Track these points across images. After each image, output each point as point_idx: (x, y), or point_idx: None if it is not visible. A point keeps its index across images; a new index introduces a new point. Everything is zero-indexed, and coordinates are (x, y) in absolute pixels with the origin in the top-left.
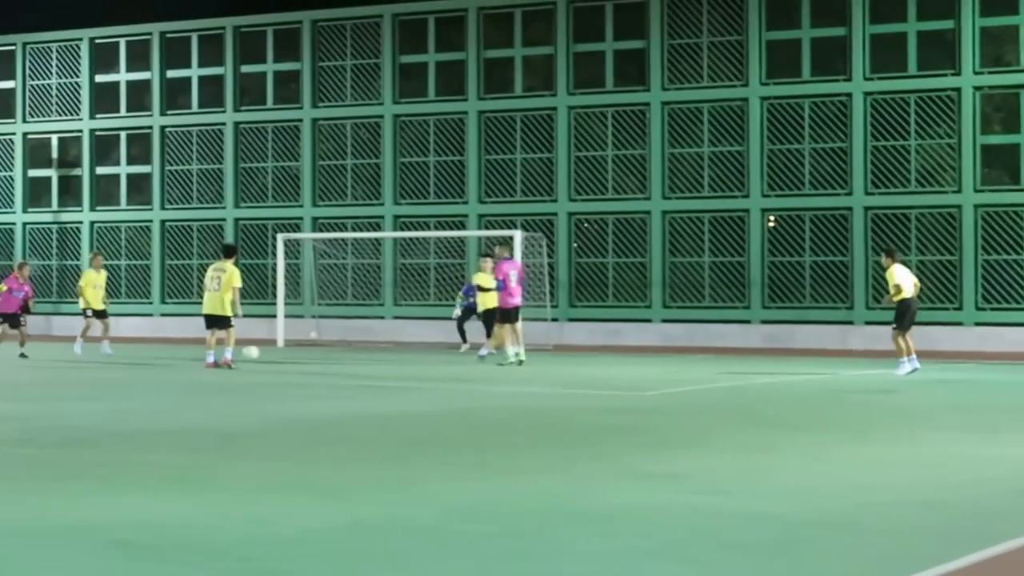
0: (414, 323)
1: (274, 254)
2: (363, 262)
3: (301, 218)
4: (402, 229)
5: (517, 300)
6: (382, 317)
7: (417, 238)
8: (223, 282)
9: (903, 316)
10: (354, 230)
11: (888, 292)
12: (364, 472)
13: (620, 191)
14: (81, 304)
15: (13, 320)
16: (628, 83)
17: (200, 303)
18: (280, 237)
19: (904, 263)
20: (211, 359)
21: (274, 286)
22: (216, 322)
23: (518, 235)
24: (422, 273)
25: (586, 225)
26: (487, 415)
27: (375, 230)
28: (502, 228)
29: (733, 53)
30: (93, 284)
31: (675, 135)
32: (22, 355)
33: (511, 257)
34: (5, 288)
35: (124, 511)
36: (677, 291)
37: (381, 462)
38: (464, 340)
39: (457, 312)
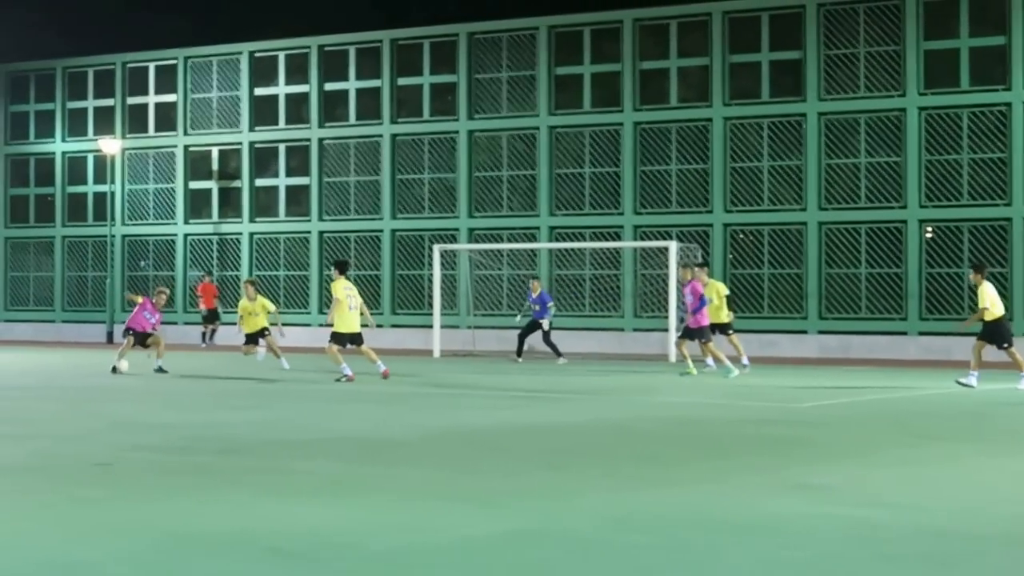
0: (570, 334)
1: (430, 265)
2: (518, 273)
3: (457, 229)
4: (557, 240)
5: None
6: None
7: (572, 249)
8: (356, 298)
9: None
10: (510, 241)
11: (976, 310)
12: (519, 481)
13: (776, 202)
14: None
15: (141, 338)
16: (783, 94)
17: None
18: (436, 248)
19: None
20: (348, 371)
21: (430, 297)
22: (357, 339)
23: (673, 246)
24: (577, 284)
25: (741, 236)
26: (643, 426)
27: (531, 241)
28: (657, 239)
29: (890, 63)
30: (250, 312)
31: (831, 145)
32: (159, 369)
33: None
34: (140, 301)
35: (282, 519)
36: (833, 302)
37: (536, 472)
38: (520, 354)
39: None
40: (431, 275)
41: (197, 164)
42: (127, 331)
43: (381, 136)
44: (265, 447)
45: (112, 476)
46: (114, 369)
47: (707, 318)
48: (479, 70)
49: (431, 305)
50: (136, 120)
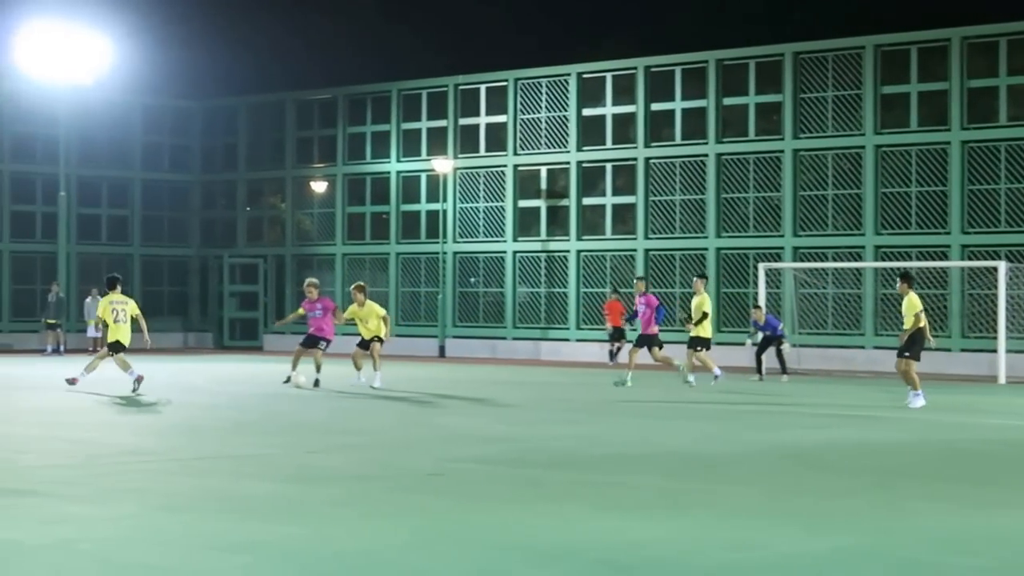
0: (891, 354)
1: (755, 283)
2: (844, 292)
3: (782, 248)
4: (883, 259)
5: None
6: (862, 347)
7: (896, 268)
8: (128, 311)
9: None
10: (835, 260)
11: None
12: (843, 500)
13: None
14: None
15: (311, 341)
16: None
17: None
18: (761, 267)
19: None
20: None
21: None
22: (118, 346)
23: (1002, 266)
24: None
25: None
26: (970, 447)
27: (856, 260)
28: (985, 259)
29: None
30: (361, 318)
31: None
32: (316, 382)
33: None
34: (302, 311)
35: (609, 532)
36: None
37: (861, 491)
38: (760, 371)
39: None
40: (755, 293)
41: (526, 183)
42: (321, 340)
43: (706, 156)
44: (592, 461)
45: (444, 486)
46: (288, 380)
47: (654, 327)
48: (804, 89)
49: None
50: (467, 140)
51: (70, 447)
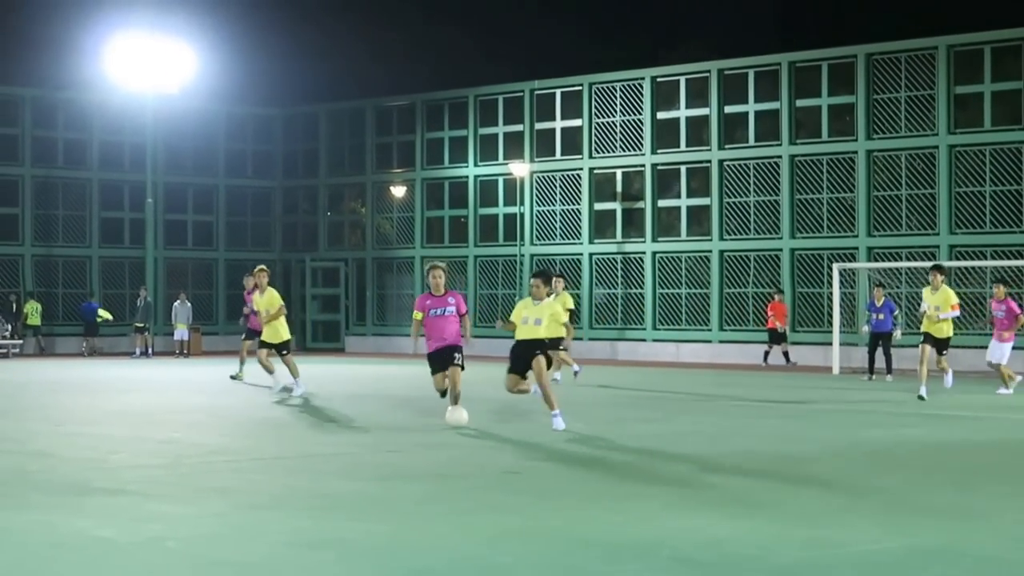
0: (976, 353)
1: (830, 283)
2: (917, 291)
3: (856, 248)
4: (957, 259)
5: None
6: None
7: (973, 267)
8: None
9: None
10: (908, 260)
11: None
12: (922, 499)
13: None
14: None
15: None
16: None
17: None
18: (836, 267)
19: None
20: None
21: (829, 315)
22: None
23: None
24: (978, 302)
25: None
26: None
27: (930, 259)
28: None
29: None
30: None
31: None
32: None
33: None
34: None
35: (687, 529)
36: None
37: (940, 490)
38: (871, 370)
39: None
40: (830, 293)
41: (601, 186)
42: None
43: (780, 157)
44: (670, 459)
45: (522, 484)
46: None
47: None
48: (877, 90)
49: (830, 323)
50: (544, 144)
51: (159, 447)
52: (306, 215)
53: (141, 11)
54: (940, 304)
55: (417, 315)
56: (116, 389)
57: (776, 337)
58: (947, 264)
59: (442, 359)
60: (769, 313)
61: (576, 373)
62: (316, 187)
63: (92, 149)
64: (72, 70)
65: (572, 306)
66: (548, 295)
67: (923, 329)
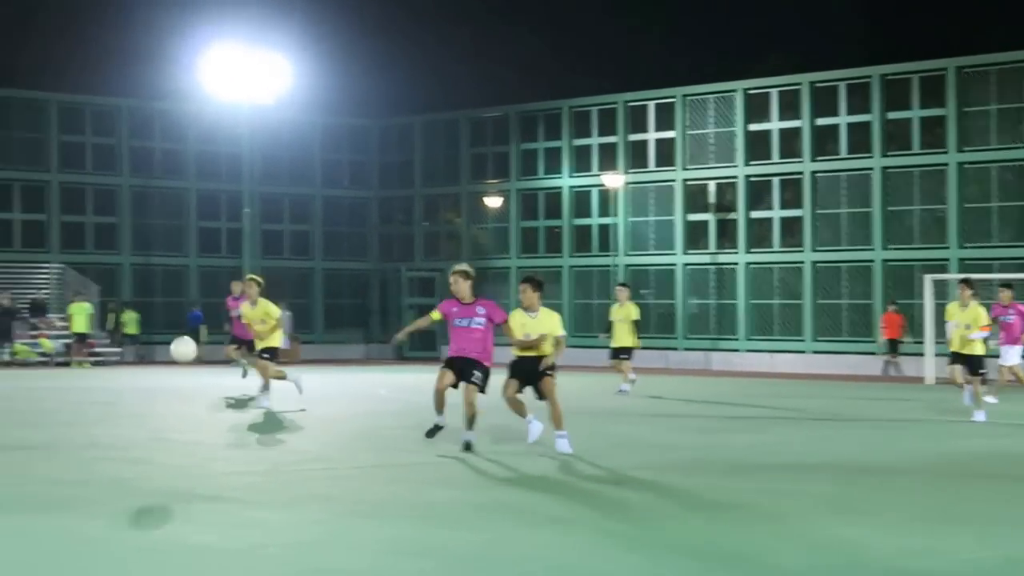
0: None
1: (921, 295)
2: None
3: (947, 259)
4: None
5: None
6: None
7: None
8: None
9: None
10: (1001, 271)
11: None
12: (1017, 510)
13: None
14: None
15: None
16: None
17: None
18: (927, 278)
19: None
20: None
21: (922, 325)
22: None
23: None
24: None
25: None
26: None
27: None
28: None
29: None
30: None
31: None
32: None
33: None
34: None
35: (782, 538)
36: None
37: None
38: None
39: None
40: (922, 304)
41: (695, 197)
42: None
43: (871, 169)
44: (764, 469)
45: (621, 493)
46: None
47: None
48: (967, 103)
49: (923, 334)
50: (637, 156)
51: (257, 455)
52: (402, 225)
53: (236, 22)
54: (971, 322)
55: (435, 315)
56: (216, 397)
57: (891, 347)
58: None
59: (457, 366)
60: (883, 324)
61: (622, 390)
62: (412, 197)
63: (189, 160)
64: (168, 81)
65: (637, 316)
66: (539, 303)
67: (952, 349)
